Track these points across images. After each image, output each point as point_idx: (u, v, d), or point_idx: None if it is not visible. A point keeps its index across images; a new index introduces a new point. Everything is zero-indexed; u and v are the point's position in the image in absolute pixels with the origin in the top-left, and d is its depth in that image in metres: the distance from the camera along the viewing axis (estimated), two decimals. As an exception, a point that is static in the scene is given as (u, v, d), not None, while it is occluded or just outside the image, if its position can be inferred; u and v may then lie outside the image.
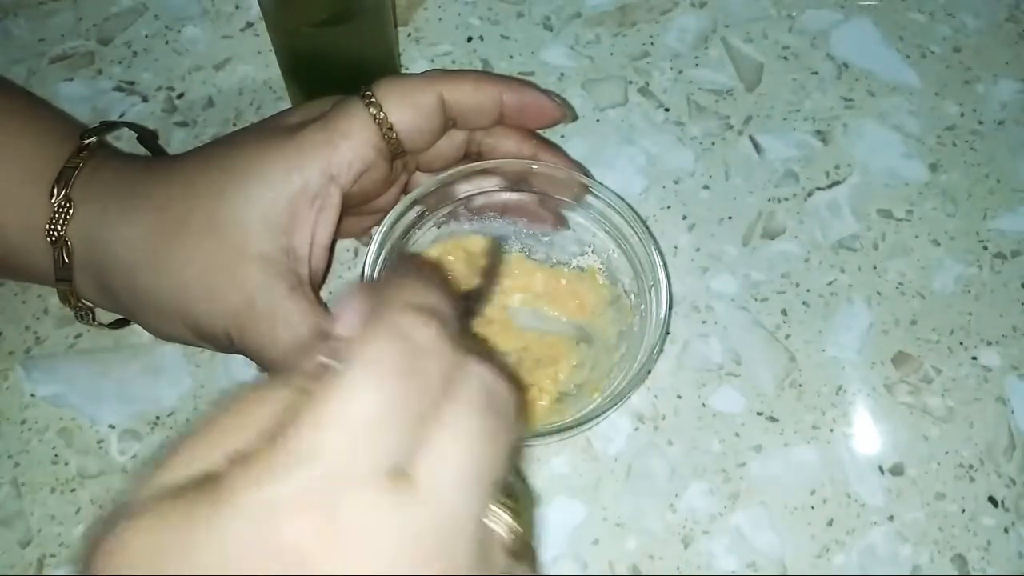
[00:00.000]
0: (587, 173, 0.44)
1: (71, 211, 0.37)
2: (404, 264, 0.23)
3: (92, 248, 0.37)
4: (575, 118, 0.50)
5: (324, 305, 0.37)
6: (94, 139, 0.39)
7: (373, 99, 0.37)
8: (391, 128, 0.37)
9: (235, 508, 0.17)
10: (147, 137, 0.46)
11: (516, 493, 0.22)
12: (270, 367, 0.37)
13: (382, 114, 0.37)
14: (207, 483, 0.18)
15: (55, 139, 0.39)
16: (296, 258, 0.36)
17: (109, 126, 0.41)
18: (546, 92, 0.41)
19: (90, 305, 0.40)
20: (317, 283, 0.39)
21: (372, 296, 0.21)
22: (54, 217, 0.37)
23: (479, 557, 0.19)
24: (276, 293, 0.35)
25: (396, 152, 0.38)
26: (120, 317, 0.41)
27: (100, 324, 0.41)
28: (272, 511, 0.17)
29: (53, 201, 0.37)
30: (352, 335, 0.20)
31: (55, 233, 0.37)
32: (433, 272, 0.24)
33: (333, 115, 0.37)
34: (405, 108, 0.37)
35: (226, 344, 0.37)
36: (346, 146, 0.36)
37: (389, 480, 0.18)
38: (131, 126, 0.46)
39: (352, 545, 0.17)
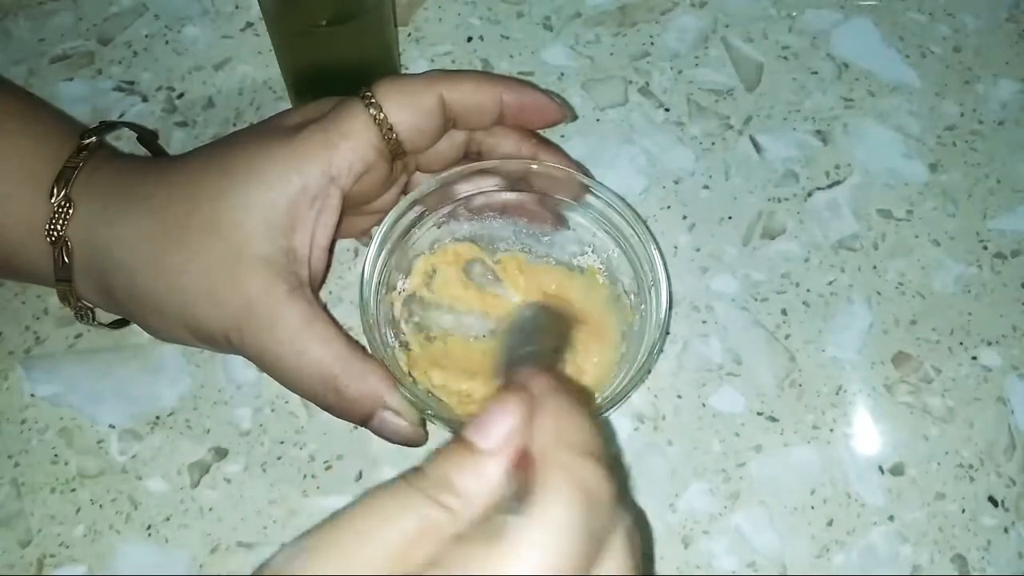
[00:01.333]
0: (587, 173, 0.44)
1: (71, 211, 0.37)
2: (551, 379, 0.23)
3: (91, 249, 0.37)
4: (575, 118, 0.50)
5: (324, 306, 0.37)
6: (94, 139, 0.39)
7: (373, 100, 0.37)
8: (391, 128, 0.37)
9: None
10: (147, 137, 0.46)
11: None
12: (270, 369, 0.37)
13: (382, 115, 0.37)
14: None
15: (55, 139, 0.39)
16: (296, 259, 0.36)
17: (109, 126, 0.41)
18: (546, 92, 0.41)
19: (90, 305, 0.40)
20: (317, 284, 0.39)
21: (522, 410, 0.22)
22: (54, 217, 0.37)
23: None
24: (276, 295, 0.35)
25: (396, 153, 0.38)
26: (120, 317, 0.41)
27: (100, 324, 0.41)
28: None
29: (53, 201, 0.37)
30: (501, 456, 0.20)
31: (55, 233, 0.37)
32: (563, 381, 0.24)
33: (333, 116, 0.37)
34: (405, 108, 0.37)
35: (226, 346, 0.37)
36: (346, 147, 0.36)
37: None
38: (131, 126, 0.46)
39: None
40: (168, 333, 0.38)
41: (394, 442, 0.37)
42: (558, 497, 0.19)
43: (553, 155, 0.41)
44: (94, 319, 0.41)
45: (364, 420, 0.36)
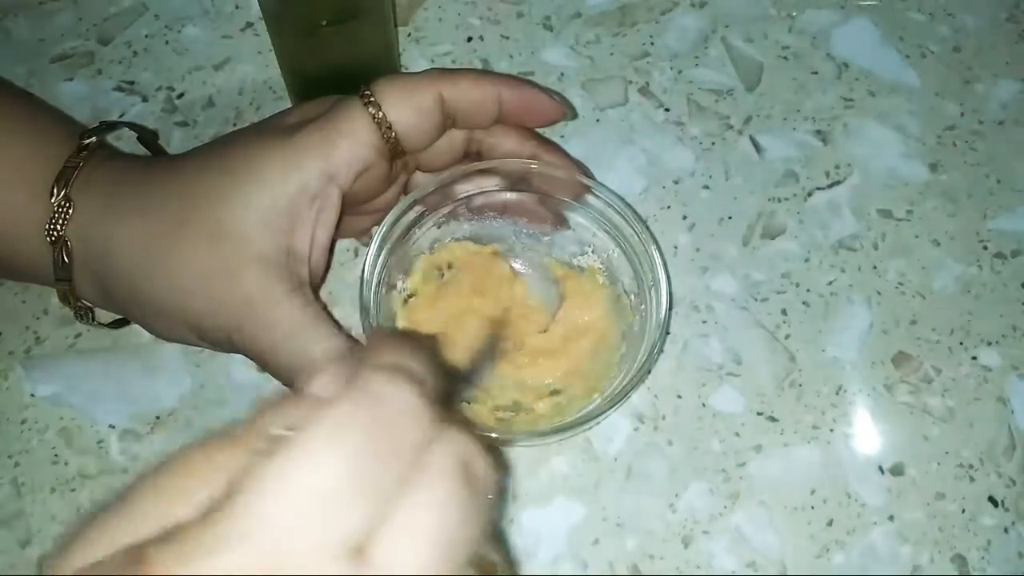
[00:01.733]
0: (588, 173, 0.44)
1: (71, 211, 0.37)
2: (389, 332, 0.22)
3: (91, 248, 0.37)
4: (575, 116, 0.50)
5: (324, 306, 0.38)
6: (94, 139, 0.39)
7: (372, 98, 0.37)
8: (390, 127, 0.37)
9: None
10: (147, 137, 0.46)
11: (493, 566, 0.20)
12: (271, 369, 0.37)
13: (380, 113, 0.37)
14: (130, 561, 0.16)
15: (55, 139, 0.39)
16: (296, 259, 0.36)
17: (109, 126, 0.41)
18: (545, 89, 0.41)
19: (89, 305, 0.40)
20: (317, 283, 0.39)
21: (354, 357, 0.20)
22: (54, 217, 0.37)
23: None
24: (276, 294, 0.35)
25: (395, 151, 0.38)
26: (120, 317, 0.41)
27: (100, 324, 0.41)
28: None
29: (53, 201, 0.37)
30: (323, 396, 0.18)
31: (55, 233, 0.37)
32: (424, 342, 0.23)
33: (332, 115, 0.37)
34: (404, 108, 0.37)
35: (228, 346, 0.37)
36: (345, 146, 0.36)
37: (342, 559, 0.16)
38: (132, 126, 0.46)
39: None
40: (168, 332, 0.38)
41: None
42: (339, 403, 0.17)
43: (553, 155, 0.41)
44: (94, 319, 0.41)
45: None
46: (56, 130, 0.40)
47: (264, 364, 0.37)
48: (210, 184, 0.36)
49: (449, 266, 0.43)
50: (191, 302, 0.36)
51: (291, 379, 0.36)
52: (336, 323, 0.37)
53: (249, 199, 0.35)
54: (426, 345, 0.22)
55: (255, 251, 0.35)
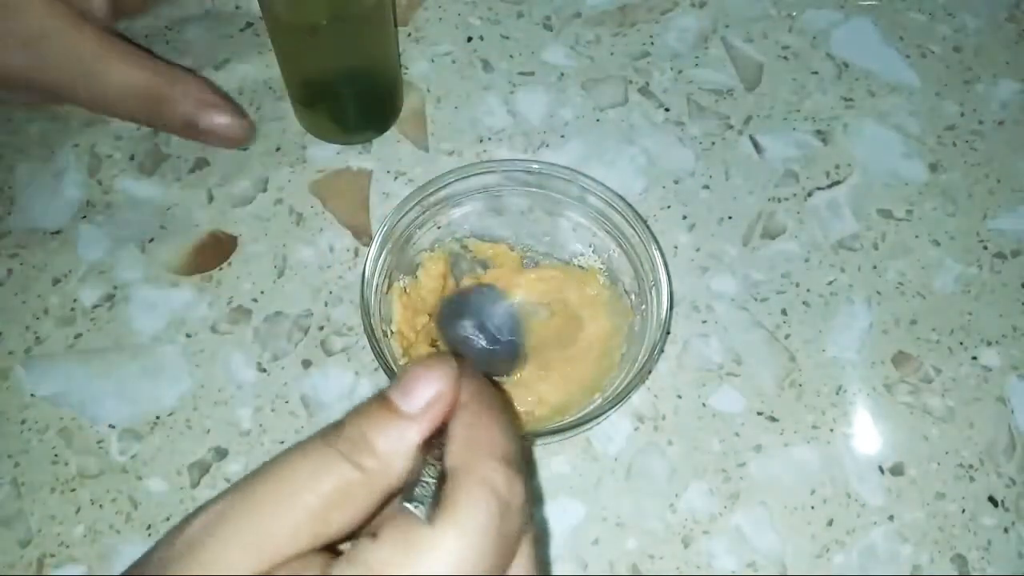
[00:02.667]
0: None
1: None
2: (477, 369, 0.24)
3: None
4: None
5: (119, 35, 0.40)
6: None
7: None
8: None
9: None
10: None
11: None
12: (89, 100, 0.38)
13: None
14: None
15: None
16: None
17: None
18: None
19: None
20: (107, 19, 0.40)
21: (448, 381, 0.21)
22: None
23: None
24: (66, 21, 0.37)
25: None
26: None
27: None
28: None
29: None
30: (422, 422, 0.20)
31: None
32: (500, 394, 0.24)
33: None
34: None
35: (27, 85, 0.38)
36: None
37: None
38: None
39: None
40: None
41: (226, 144, 0.40)
42: (471, 503, 0.19)
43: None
44: None
45: (191, 123, 0.38)
46: None
47: (81, 97, 0.38)
48: None
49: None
50: None
51: (111, 103, 0.38)
52: (142, 47, 0.39)
53: None
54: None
55: None
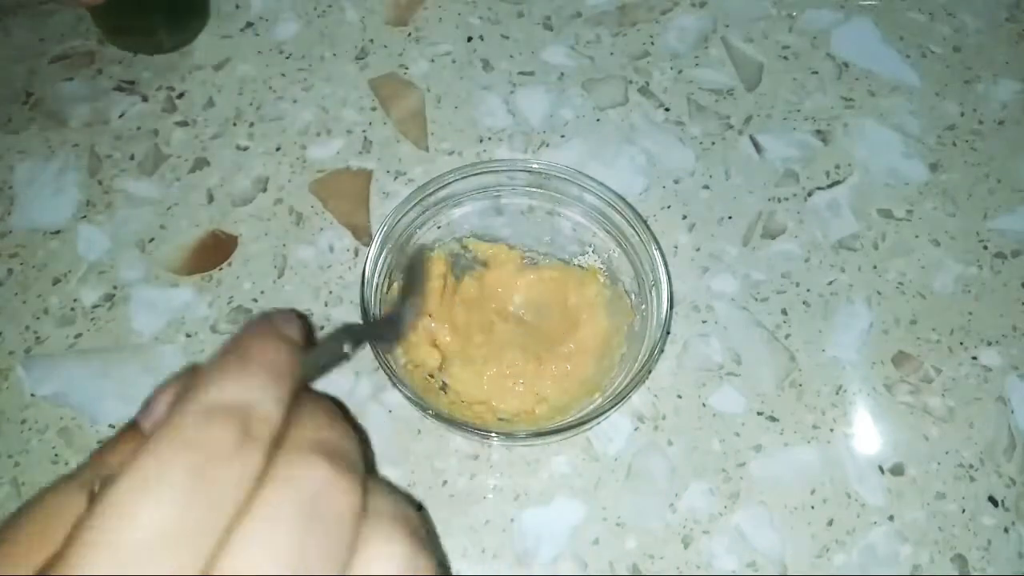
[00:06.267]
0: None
1: None
2: (243, 333, 0.21)
3: None
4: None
5: None
6: None
7: None
8: None
9: None
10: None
11: None
12: None
13: None
14: None
15: None
16: None
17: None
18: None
19: None
20: None
21: (183, 386, 0.19)
22: None
23: None
24: None
25: None
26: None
27: None
28: None
29: None
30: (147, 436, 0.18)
31: None
32: (278, 329, 0.21)
33: None
34: None
35: None
36: None
37: None
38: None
39: None
40: None
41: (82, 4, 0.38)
42: (153, 451, 0.17)
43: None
44: None
45: None
46: None
47: None
48: None
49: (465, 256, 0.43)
50: None
51: None
52: None
53: None
54: (284, 328, 0.22)
55: None
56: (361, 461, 0.20)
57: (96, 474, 0.19)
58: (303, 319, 0.23)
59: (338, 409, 0.21)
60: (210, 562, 0.17)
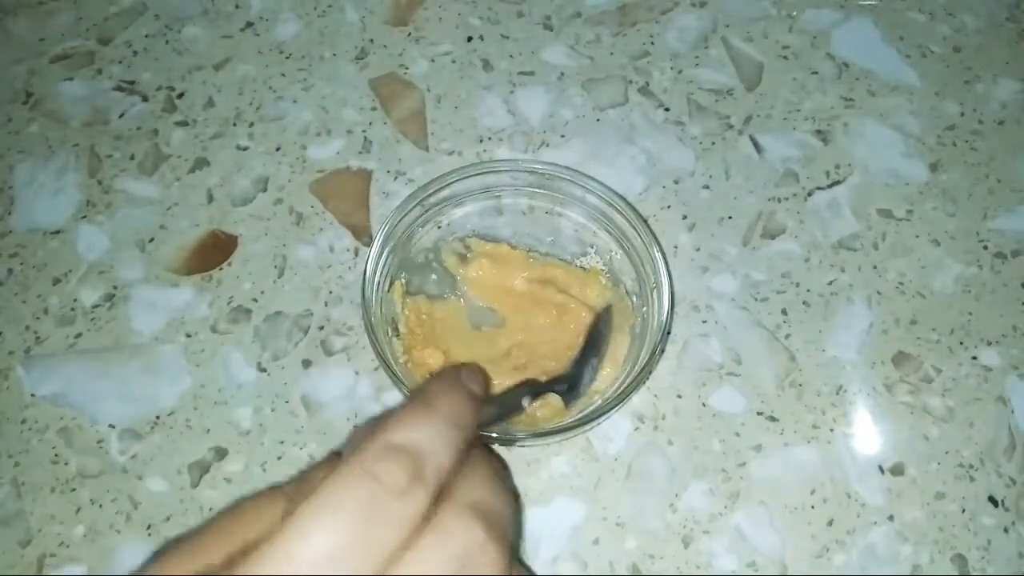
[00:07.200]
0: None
1: None
2: (431, 381, 0.24)
3: None
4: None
5: None
6: None
7: None
8: None
9: None
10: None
11: None
12: None
13: None
14: None
15: None
16: None
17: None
18: None
19: None
20: None
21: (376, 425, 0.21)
22: None
23: None
24: None
25: None
26: None
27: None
28: None
29: None
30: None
31: None
32: (460, 384, 0.24)
33: None
34: None
35: None
36: None
37: None
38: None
39: None
40: None
41: None
42: (335, 481, 0.20)
43: None
44: None
45: None
46: None
47: None
48: None
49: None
50: None
51: None
52: None
53: None
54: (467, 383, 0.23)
55: None
56: (511, 529, 0.22)
57: (298, 490, 0.22)
58: (484, 374, 0.24)
59: (503, 470, 0.23)
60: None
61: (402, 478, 0.20)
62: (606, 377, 0.40)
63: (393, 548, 0.19)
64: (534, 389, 0.28)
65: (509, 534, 0.22)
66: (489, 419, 0.25)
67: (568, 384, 0.36)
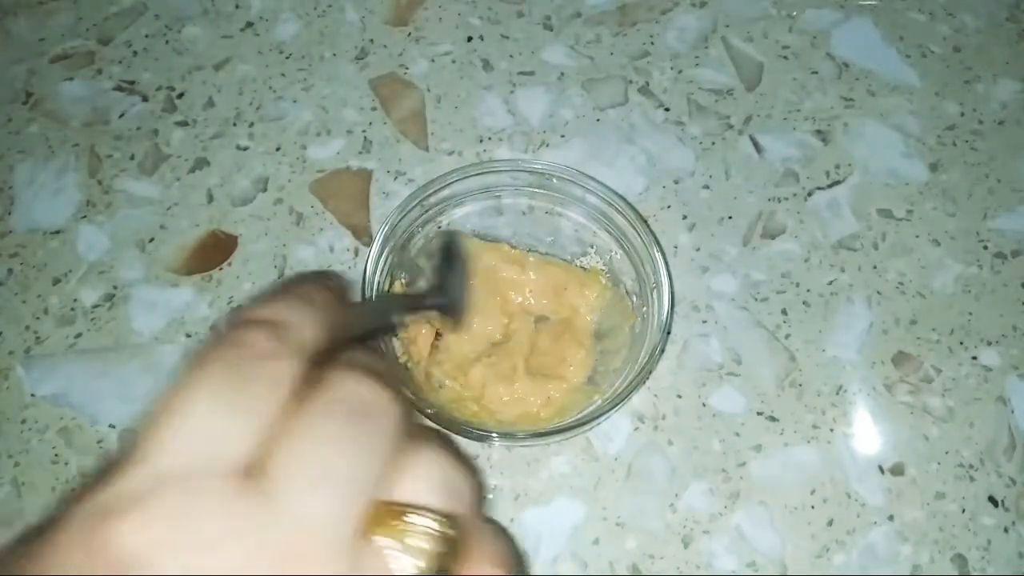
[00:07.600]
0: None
1: None
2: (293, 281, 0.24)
3: None
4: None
5: None
6: None
7: None
8: None
9: (68, 520, 0.17)
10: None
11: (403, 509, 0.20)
12: None
13: None
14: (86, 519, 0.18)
15: None
16: None
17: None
18: None
19: None
20: None
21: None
22: None
23: (345, 566, 0.18)
24: None
25: None
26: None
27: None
28: (103, 514, 0.17)
29: None
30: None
31: None
32: (320, 290, 0.24)
33: None
34: None
35: None
36: None
37: (233, 478, 0.18)
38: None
39: (189, 541, 0.17)
40: None
41: None
42: (208, 348, 0.19)
43: None
44: None
45: None
46: None
47: None
48: None
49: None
50: None
51: None
52: None
53: None
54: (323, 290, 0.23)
55: None
56: (401, 387, 0.21)
57: None
58: (346, 282, 0.24)
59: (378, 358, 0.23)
60: (268, 447, 0.18)
61: (265, 342, 0.20)
62: (581, 362, 0.40)
63: (274, 410, 0.19)
64: (408, 302, 0.27)
65: (401, 391, 0.21)
66: (361, 323, 0.24)
67: (443, 300, 0.34)
